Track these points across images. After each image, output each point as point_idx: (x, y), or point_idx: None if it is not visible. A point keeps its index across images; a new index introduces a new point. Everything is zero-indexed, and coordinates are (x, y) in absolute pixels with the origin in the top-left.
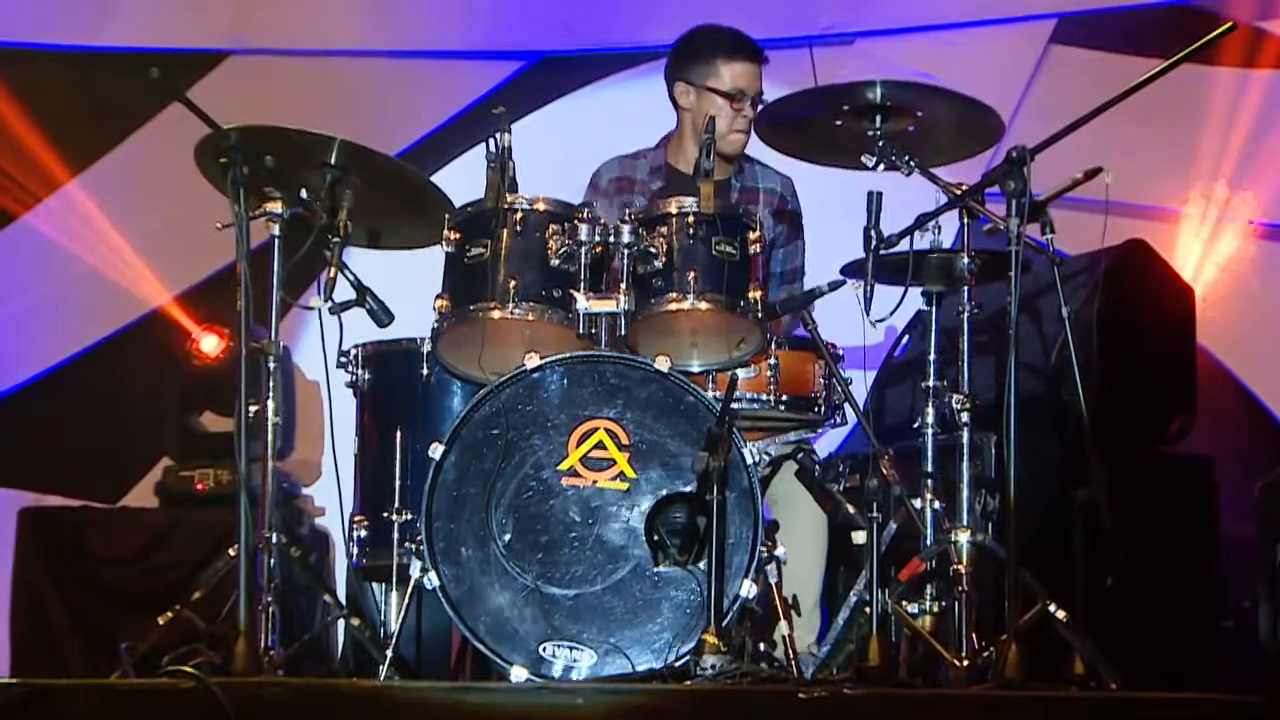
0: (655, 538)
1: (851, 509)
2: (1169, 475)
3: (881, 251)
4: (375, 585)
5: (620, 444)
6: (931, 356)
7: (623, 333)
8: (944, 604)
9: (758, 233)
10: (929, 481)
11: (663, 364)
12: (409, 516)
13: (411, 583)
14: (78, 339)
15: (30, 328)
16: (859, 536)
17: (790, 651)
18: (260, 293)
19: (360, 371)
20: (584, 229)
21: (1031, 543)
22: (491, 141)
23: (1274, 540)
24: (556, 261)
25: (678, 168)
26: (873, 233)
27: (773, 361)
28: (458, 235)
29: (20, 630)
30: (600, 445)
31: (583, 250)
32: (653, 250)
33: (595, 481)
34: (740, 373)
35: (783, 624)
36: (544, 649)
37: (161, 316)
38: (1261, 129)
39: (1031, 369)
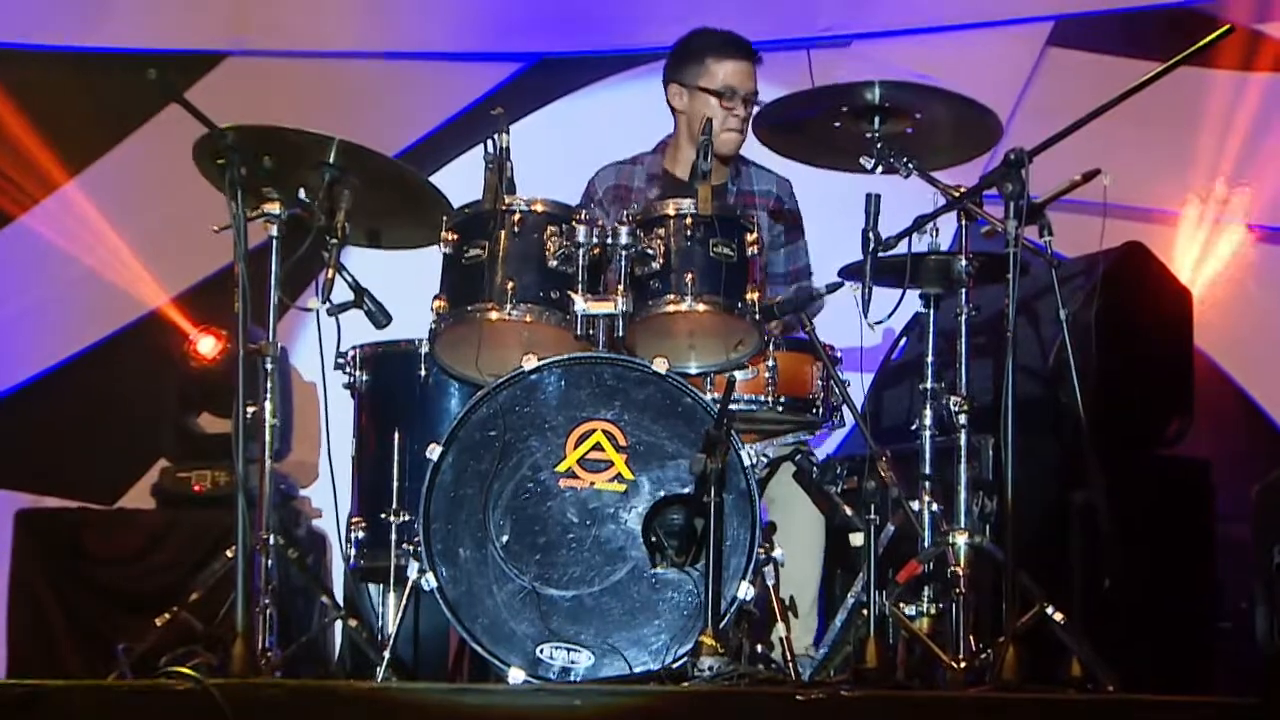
0: (653, 539)
1: (849, 511)
2: (1166, 478)
3: (879, 253)
4: (373, 586)
5: (618, 445)
6: (929, 358)
7: (620, 334)
8: (941, 606)
9: (755, 234)
10: (927, 483)
11: (660, 365)
12: (407, 518)
13: (409, 584)
14: (75, 340)
15: (28, 329)
16: (856, 538)
17: (788, 653)
18: (258, 294)
19: (358, 373)
20: (582, 230)
21: (1029, 545)
22: (490, 143)
23: (1271, 542)
24: (554, 263)
25: (674, 173)
26: (871, 235)
27: (771, 363)
28: (455, 236)
29: (17, 631)
30: (598, 447)
31: (580, 252)
32: (650, 252)
33: (593, 483)
34: (738, 374)
35: (780, 626)
36: (541, 650)
37: (159, 318)
38: (1259, 131)
39: (1029, 371)
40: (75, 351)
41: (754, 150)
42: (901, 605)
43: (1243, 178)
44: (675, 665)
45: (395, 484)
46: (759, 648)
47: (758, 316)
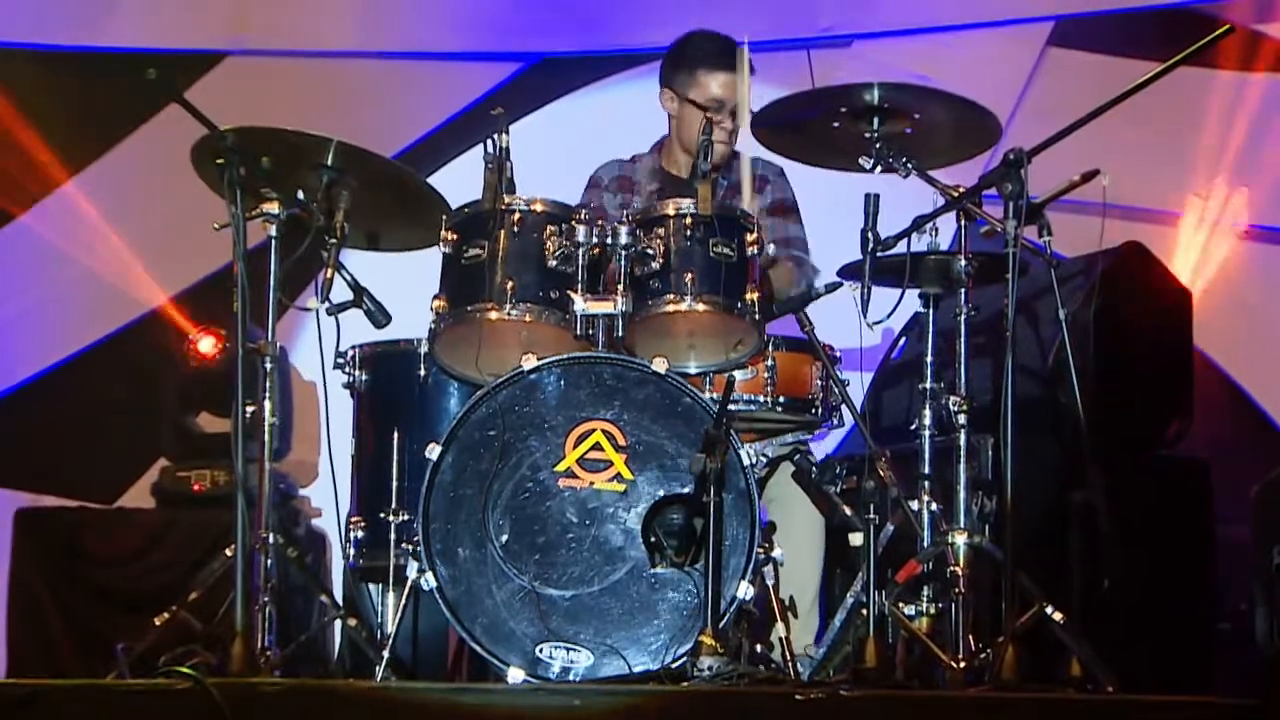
0: (652, 539)
1: (848, 511)
2: (1166, 478)
3: (879, 253)
4: (372, 586)
5: (617, 445)
6: (928, 358)
7: (620, 334)
8: (941, 606)
9: (755, 234)
10: (926, 483)
11: (660, 365)
12: (406, 517)
13: (408, 583)
14: (75, 340)
15: (27, 328)
16: (856, 538)
17: (787, 653)
18: (257, 293)
19: (357, 372)
20: (581, 230)
21: (1028, 545)
22: (489, 142)
23: (1270, 543)
24: (554, 263)
25: (670, 172)
26: (870, 235)
27: (770, 363)
28: (455, 236)
29: (16, 631)
30: (597, 446)
31: (580, 251)
32: (650, 252)
33: (592, 483)
34: (737, 374)
35: (780, 625)
36: (541, 650)
37: (158, 317)
38: (1259, 131)
39: (1028, 371)
40: (75, 351)
41: (752, 150)
42: (901, 605)
43: (1242, 178)
44: (674, 665)
45: (395, 483)
46: (758, 647)
47: (757, 316)
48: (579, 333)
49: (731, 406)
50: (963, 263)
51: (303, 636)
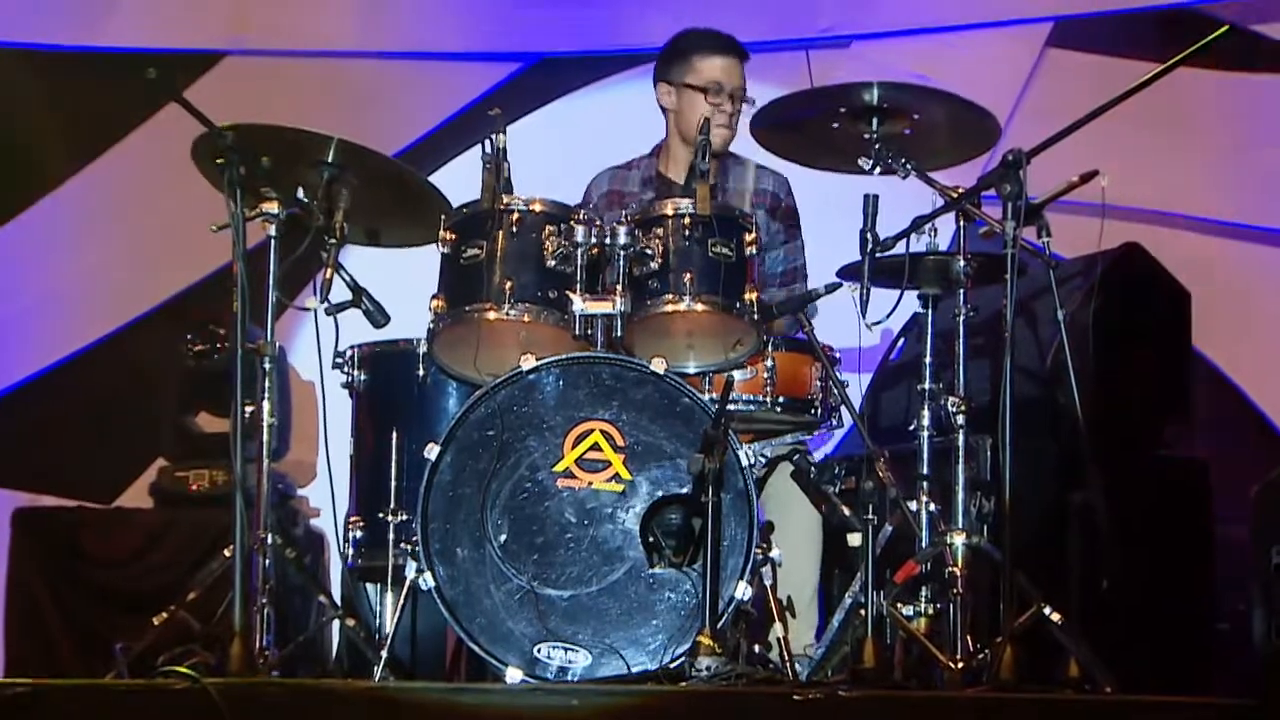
0: (650, 539)
1: (847, 511)
2: (1164, 478)
3: (878, 254)
4: (370, 586)
5: (616, 445)
6: (927, 359)
7: (619, 334)
8: (939, 606)
9: (753, 234)
10: (924, 484)
11: (659, 365)
12: (404, 517)
13: (407, 583)
14: (74, 339)
15: (26, 328)
16: (854, 538)
17: (785, 653)
18: (256, 293)
19: (356, 372)
20: (580, 230)
21: (1027, 545)
22: (488, 142)
23: (1269, 543)
24: (552, 262)
25: (668, 176)
26: (869, 235)
27: (769, 363)
28: (454, 236)
29: (15, 631)
30: (596, 447)
31: (579, 251)
32: (649, 252)
33: (591, 483)
34: (736, 374)
35: (778, 626)
36: (539, 650)
37: (157, 317)
38: (1258, 132)
39: (1027, 372)
40: (74, 350)
41: (753, 152)
42: (899, 605)
43: (1241, 179)
44: (673, 665)
45: (393, 483)
46: (756, 648)
47: (756, 316)
48: (577, 333)
49: (730, 407)
50: (962, 263)
51: (301, 636)
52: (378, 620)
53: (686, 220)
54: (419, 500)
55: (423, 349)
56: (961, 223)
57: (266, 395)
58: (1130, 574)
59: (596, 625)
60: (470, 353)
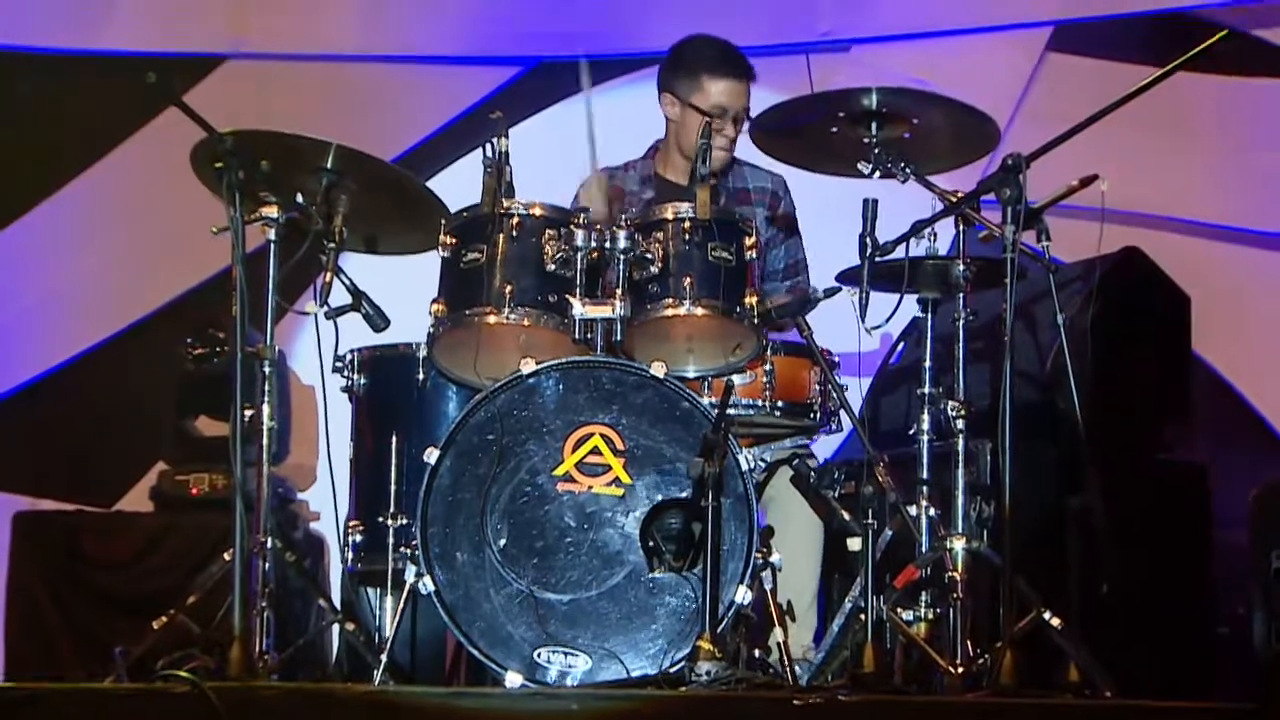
0: (650, 543)
1: (847, 515)
2: (1164, 482)
3: (877, 258)
4: (370, 590)
5: (616, 449)
6: (927, 363)
7: (618, 338)
8: (939, 611)
9: (753, 238)
10: (924, 488)
11: (658, 369)
12: (404, 521)
13: (406, 587)
14: (73, 343)
15: (26, 331)
16: (854, 543)
17: (785, 658)
18: (256, 297)
19: (356, 376)
20: (580, 234)
21: (1026, 550)
22: (488, 147)
23: (1269, 547)
24: (552, 267)
25: (666, 177)
26: (868, 240)
27: (769, 368)
28: (454, 240)
29: (15, 634)
30: (595, 451)
31: (579, 256)
32: (649, 256)
33: (590, 487)
34: (736, 378)
35: (778, 630)
36: (539, 654)
37: (157, 321)
38: (1257, 136)
39: (1027, 376)
40: (74, 354)
41: (749, 152)
42: (899, 610)
43: (1240, 183)
44: (672, 670)
45: (393, 487)
46: (756, 652)
47: (756, 320)
48: (577, 337)
49: (730, 411)
50: (961, 268)
51: (301, 640)
52: (377, 624)
53: (686, 224)
54: (419, 504)
55: (423, 353)
56: (961, 227)
57: (266, 399)
58: (1130, 578)
59: (596, 629)
60: (470, 356)
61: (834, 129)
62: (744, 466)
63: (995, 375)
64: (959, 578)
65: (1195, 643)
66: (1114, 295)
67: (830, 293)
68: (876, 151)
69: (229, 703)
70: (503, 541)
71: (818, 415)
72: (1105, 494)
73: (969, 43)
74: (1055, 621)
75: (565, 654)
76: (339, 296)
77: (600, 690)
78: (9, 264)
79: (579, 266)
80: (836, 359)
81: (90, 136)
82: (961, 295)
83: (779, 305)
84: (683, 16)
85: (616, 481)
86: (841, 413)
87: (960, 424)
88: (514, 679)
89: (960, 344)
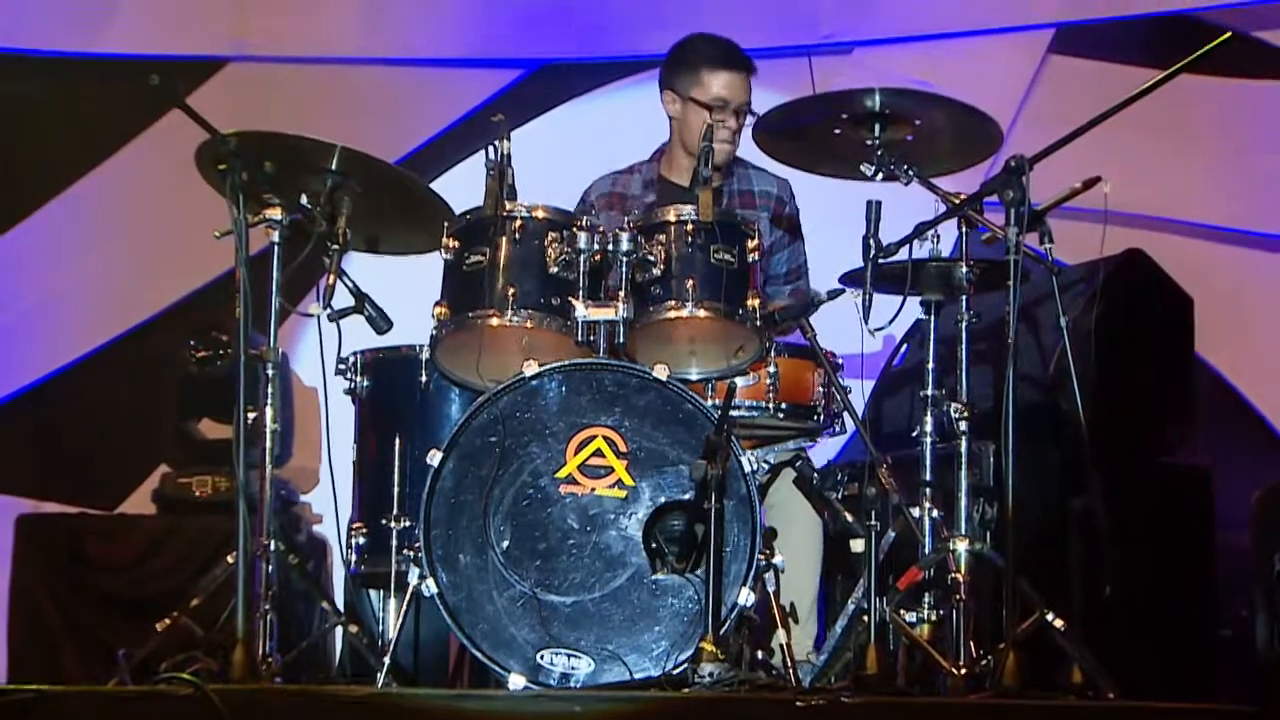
0: (653, 545)
1: (850, 517)
2: (1167, 484)
3: (880, 260)
4: (373, 592)
5: (618, 452)
6: (930, 365)
7: (621, 340)
8: (942, 612)
9: (756, 240)
10: (927, 490)
11: (661, 372)
12: (407, 523)
13: (409, 590)
14: (76, 345)
15: (29, 334)
16: (857, 545)
17: (788, 659)
18: (259, 299)
19: (359, 378)
20: (583, 237)
21: (1029, 551)
22: (491, 149)
23: (1271, 550)
24: (555, 269)
25: (670, 179)
26: (871, 242)
27: (772, 369)
28: (457, 243)
29: (18, 637)
30: (598, 453)
31: (581, 258)
32: (651, 258)
33: (593, 489)
34: (739, 380)
35: (781, 632)
36: (542, 656)
37: (160, 323)
38: (1260, 138)
39: (1030, 378)
40: (77, 357)
41: (753, 155)
42: (902, 612)
43: (1243, 185)
44: (675, 671)
45: (396, 489)
46: (759, 654)
47: (759, 322)
48: (580, 339)
49: (733, 413)
50: (964, 270)
51: (304, 643)
52: (380, 626)
53: (689, 226)
54: (421, 506)
55: (425, 355)
56: (964, 229)
57: (269, 401)
58: (1132, 579)
59: (599, 631)
60: (473, 359)
61: (836, 130)
62: (747, 469)
63: (998, 377)
64: (962, 579)
65: (1197, 645)
66: (1117, 297)
67: (833, 295)
68: (879, 153)
69: (232, 705)
70: (505, 543)
71: (821, 417)
72: (1108, 496)
73: (971, 45)
74: (1058, 623)
75: (568, 656)
76: (342, 299)
77: (603, 692)
78: (12, 266)
79: (581, 269)
80: (840, 361)
81: (93, 139)
82: (964, 297)
83: (782, 308)
84: (685, 18)
85: (619, 484)
86: (845, 415)
87: (963, 426)
88: (517, 681)
89: (963, 346)
